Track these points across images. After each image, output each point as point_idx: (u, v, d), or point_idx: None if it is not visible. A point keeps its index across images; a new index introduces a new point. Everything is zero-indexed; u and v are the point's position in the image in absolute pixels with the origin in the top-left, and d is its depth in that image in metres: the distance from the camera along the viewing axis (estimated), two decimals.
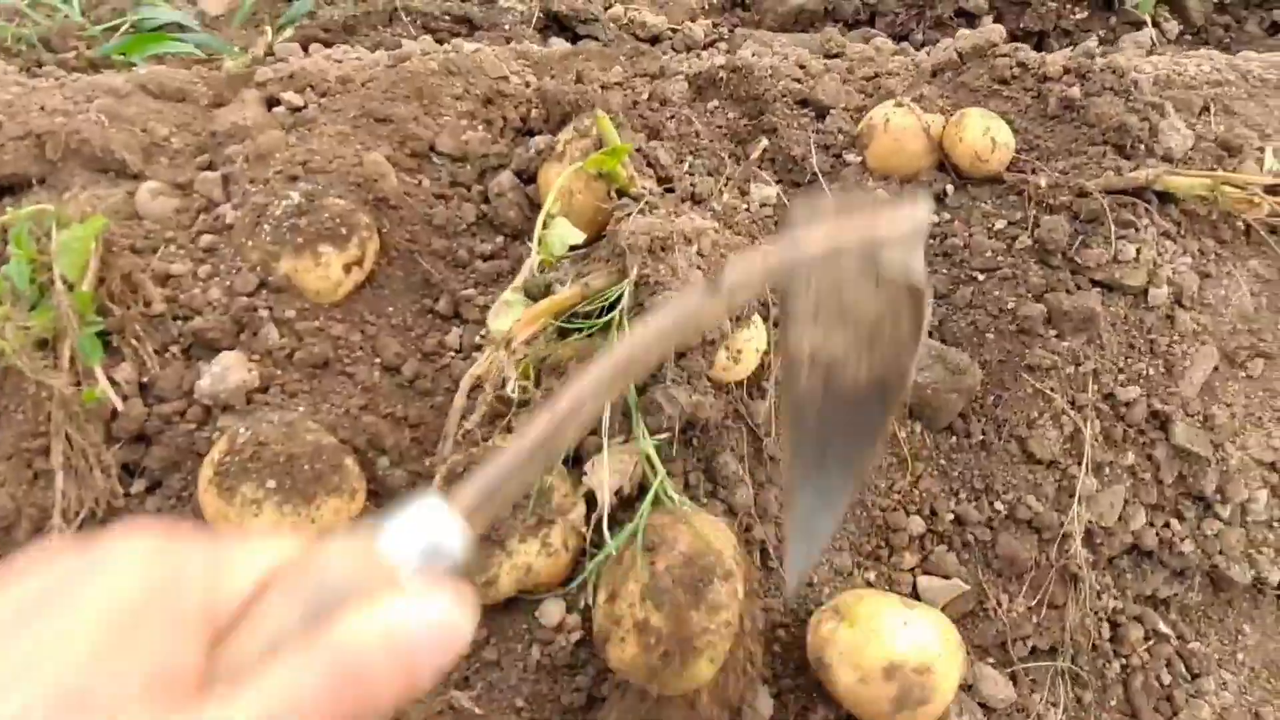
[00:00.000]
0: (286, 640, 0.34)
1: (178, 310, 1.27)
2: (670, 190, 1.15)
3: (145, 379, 1.22)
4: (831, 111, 1.50)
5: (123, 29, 1.95)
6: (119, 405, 1.17)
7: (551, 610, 1.14)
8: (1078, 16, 2.13)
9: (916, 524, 1.24)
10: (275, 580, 0.36)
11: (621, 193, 1.13)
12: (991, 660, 1.24)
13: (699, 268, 1.10)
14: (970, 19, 2.05)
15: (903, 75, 1.63)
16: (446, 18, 1.89)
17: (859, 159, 1.43)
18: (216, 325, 1.24)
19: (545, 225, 1.14)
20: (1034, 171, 1.37)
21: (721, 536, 1.02)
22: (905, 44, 1.96)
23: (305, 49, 1.82)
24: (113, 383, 1.15)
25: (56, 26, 1.92)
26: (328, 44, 1.83)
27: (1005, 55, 1.51)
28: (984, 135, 1.34)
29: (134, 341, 1.23)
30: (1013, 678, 1.24)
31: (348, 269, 1.31)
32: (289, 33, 1.93)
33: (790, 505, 0.63)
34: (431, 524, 0.39)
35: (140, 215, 1.42)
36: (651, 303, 1.06)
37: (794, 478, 0.58)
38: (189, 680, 0.33)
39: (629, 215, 1.08)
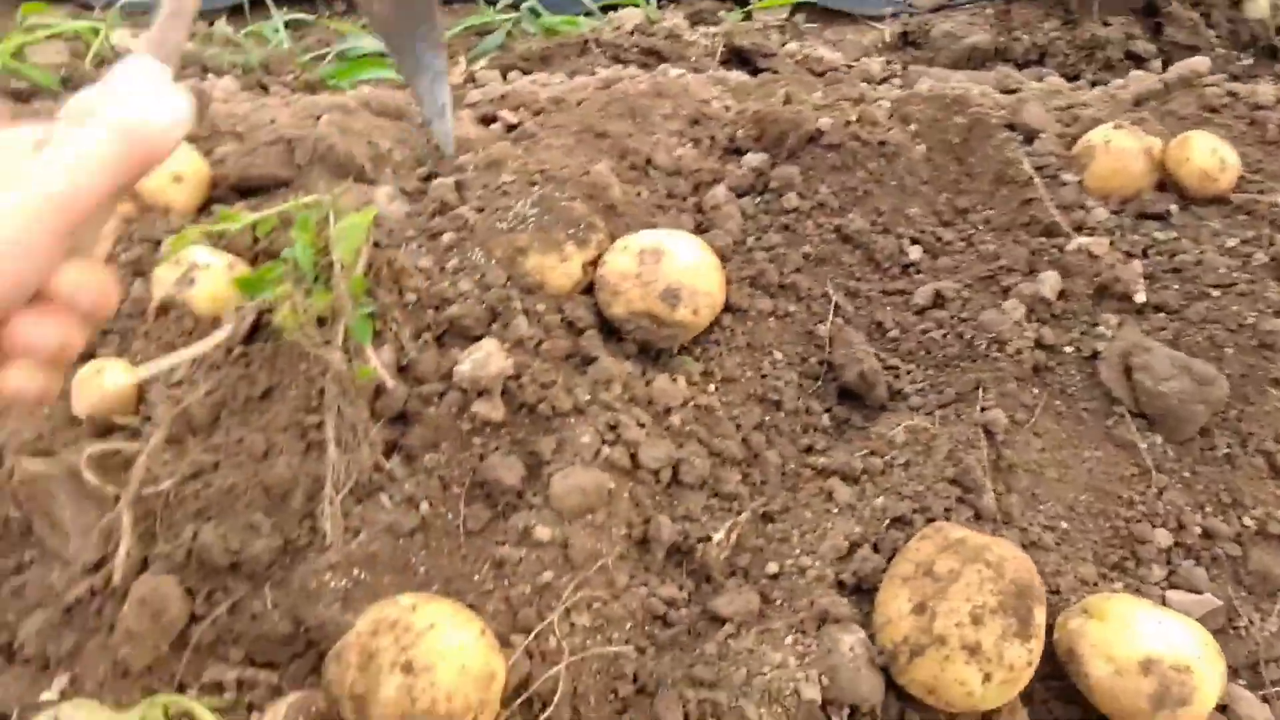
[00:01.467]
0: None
1: (429, 300, 1.33)
2: None
3: (403, 362, 1.28)
4: (1041, 135, 1.54)
5: (329, 58, 2.09)
6: (389, 383, 1.22)
7: None
8: (1244, 63, 2.15)
9: (1163, 537, 1.22)
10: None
11: None
12: (1243, 682, 1.20)
13: None
14: (1139, 61, 2.08)
15: (1097, 106, 1.66)
16: (635, 49, 1.99)
17: (1077, 179, 1.45)
18: (471, 314, 1.30)
19: None
20: (1261, 192, 1.38)
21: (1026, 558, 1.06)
22: (1079, 83, 1.99)
23: (504, 76, 1.93)
24: None
25: (270, 54, 2.07)
26: (526, 72, 1.94)
27: (1214, 85, 1.54)
28: (1212, 155, 1.36)
29: (394, 326, 1.29)
30: (1265, 701, 1.19)
31: (585, 268, 1.37)
32: (483, 63, 2.05)
33: (418, 96, 0.96)
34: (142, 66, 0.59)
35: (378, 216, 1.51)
36: None
37: (407, 73, 0.97)
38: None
39: None
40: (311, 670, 1.10)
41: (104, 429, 1.34)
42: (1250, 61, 2.16)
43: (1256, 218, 1.35)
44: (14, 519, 1.27)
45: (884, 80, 2.03)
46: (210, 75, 1.97)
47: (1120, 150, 1.41)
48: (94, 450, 1.23)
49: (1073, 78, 2.10)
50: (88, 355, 1.47)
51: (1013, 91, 1.91)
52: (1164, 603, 1.20)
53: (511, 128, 1.69)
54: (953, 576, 1.07)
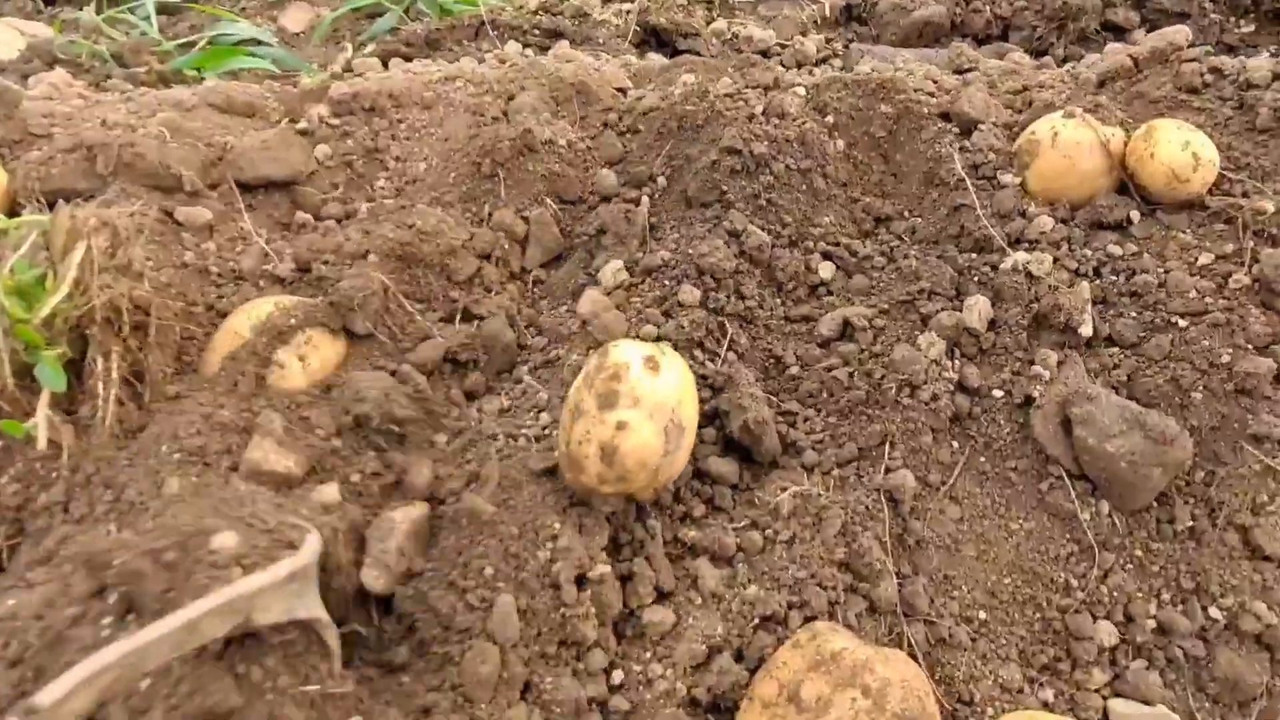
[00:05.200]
0: None
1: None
2: None
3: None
4: (980, 126, 1.28)
5: (199, 45, 1.86)
6: (40, 444, 0.99)
7: None
8: (1243, 30, 1.86)
9: (1106, 631, 0.98)
10: None
11: None
12: None
13: None
14: (1119, 33, 1.81)
15: (1058, 88, 1.40)
16: (537, 31, 1.75)
17: (1017, 180, 1.20)
18: None
19: None
20: (1246, 195, 1.12)
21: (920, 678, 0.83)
22: (1046, 59, 1.73)
23: (385, 65, 1.69)
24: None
25: (131, 42, 1.85)
26: (409, 59, 1.70)
27: (1194, 60, 1.27)
28: (1183, 150, 1.10)
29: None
30: None
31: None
32: (370, 49, 1.81)
33: None
34: None
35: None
36: None
37: None
38: None
39: None
40: None
41: None
42: (1252, 29, 1.88)
43: (1237, 228, 1.10)
44: None
45: (822, 61, 1.77)
46: (57, 66, 1.74)
47: (1070, 144, 1.15)
48: None
49: (1040, 53, 1.83)
50: None
51: (967, 71, 1.65)
52: (1105, 716, 0.97)
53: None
54: (821, 706, 0.84)
